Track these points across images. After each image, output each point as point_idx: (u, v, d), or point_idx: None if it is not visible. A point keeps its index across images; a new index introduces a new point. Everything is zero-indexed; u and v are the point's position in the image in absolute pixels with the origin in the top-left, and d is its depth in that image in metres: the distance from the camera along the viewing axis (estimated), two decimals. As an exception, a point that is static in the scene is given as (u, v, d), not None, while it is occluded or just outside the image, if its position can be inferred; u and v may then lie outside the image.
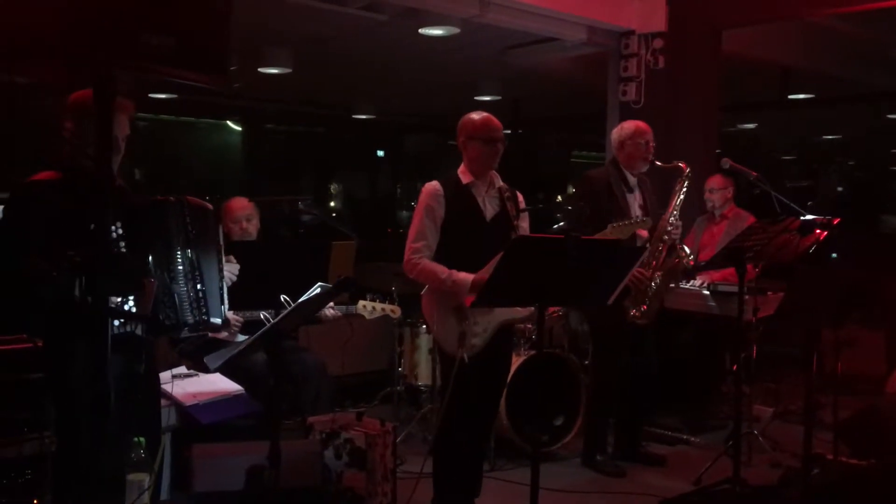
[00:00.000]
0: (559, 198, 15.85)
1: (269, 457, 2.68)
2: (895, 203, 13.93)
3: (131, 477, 2.27)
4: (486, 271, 3.51)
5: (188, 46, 1.89)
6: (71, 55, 1.76)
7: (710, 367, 5.58)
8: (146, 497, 2.35)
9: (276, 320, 2.70)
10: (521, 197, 3.81)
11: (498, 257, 3.51)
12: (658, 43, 6.33)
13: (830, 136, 14.25)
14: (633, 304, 4.43)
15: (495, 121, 3.69)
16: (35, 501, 3.20)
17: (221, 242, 3.07)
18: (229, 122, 11.85)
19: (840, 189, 15.35)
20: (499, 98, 9.39)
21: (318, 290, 2.63)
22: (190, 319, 2.90)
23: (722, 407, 5.61)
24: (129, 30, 1.77)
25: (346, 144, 13.20)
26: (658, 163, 4.53)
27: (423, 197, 3.67)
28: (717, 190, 5.56)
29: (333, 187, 13.60)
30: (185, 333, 3.06)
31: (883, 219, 12.41)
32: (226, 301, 3.04)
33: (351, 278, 2.69)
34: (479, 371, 3.61)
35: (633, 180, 4.56)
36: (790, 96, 8.98)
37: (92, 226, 2.59)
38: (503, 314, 3.62)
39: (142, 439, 2.34)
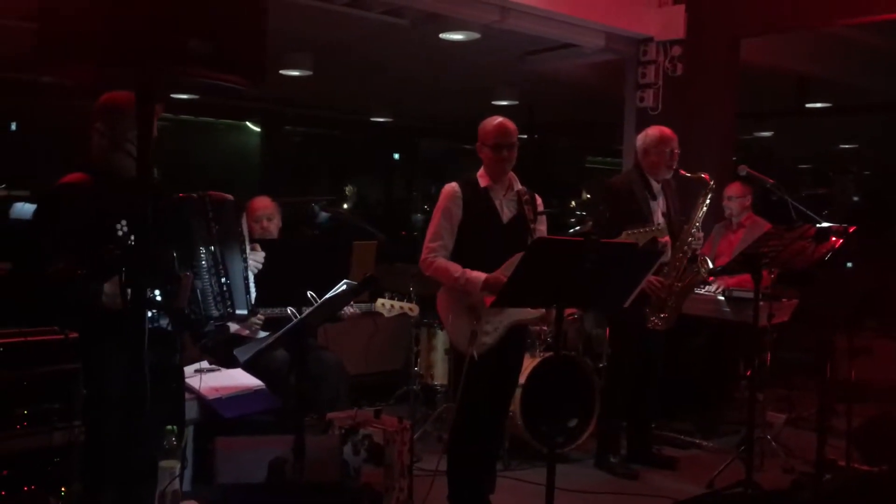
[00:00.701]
0: (573, 203, 15.89)
1: (293, 449, 2.74)
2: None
3: (163, 464, 2.35)
4: (500, 271, 3.59)
5: (227, 50, 1.95)
6: (119, 60, 1.84)
7: (723, 373, 5.61)
8: (177, 483, 2.42)
9: (304, 315, 2.76)
10: (539, 200, 3.87)
11: (513, 259, 3.59)
12: (676, 50, 6.37)
13: (846, 146, 14.24)
14: (652, 312, 4.47)
15: (507, 127, 3.73)
16: (63, 489, 3.30)
17: (245, 233, 3.12)
18: (248, 124, 11.96)
19: (856, 198, 15.32)
20: (515, 103, 9.45)
21: (344, 287, 2.69)
22: (215, 313, 2.96)
23: (734, 412, 5.65)
24: (173, 35, 1.84)
25: (362, 147, 13.29)
26: (683, 172, 4.56)
27: (441, 198, 3.76)
28: (735, 198, 5.58)
29: (348, 189, 13.69)
30: (210, 327, 3.12)
31: (899, 227, 12.37)
32: (252, 291, 3.08)
33: (375, 277, 2.76)
34: (490, 370, 3.69)
35: (656, 187, 4.59)
36: (807, 105, 9.00)
37: (123, 223, 2.69)
38: (514, 315, 3.68)
39: (174, 427, 2.42)
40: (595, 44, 6.44)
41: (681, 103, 6.34)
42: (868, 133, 12.24)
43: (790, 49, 7.03)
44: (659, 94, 6.47)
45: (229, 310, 2.98)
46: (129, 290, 2.03)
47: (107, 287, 2.69)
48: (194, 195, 2.96)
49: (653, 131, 4.65)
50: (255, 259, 3.17)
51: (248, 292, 3.06)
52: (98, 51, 1.84)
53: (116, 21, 1.82)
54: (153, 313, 2.77)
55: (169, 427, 2.40)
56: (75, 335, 3.07)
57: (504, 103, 9.34)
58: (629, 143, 6.60)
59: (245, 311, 3.04)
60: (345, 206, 13.39)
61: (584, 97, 8.99)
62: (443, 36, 6.34)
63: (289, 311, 3.64)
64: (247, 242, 3.11)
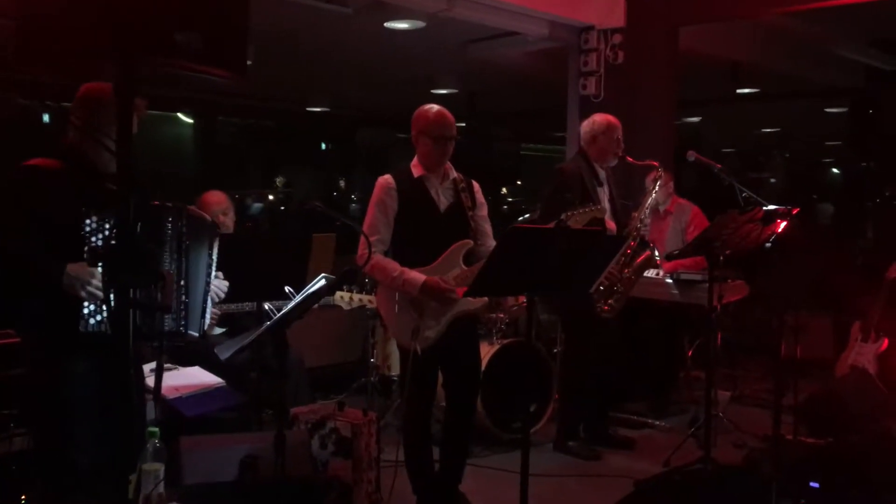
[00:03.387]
0: (504, 190, 16.03)
1: (274, 445, 2.72)
2: (830, 193, 14.51)
3: (146, 467, 2.29)
4: (439, 263, 3.58)
5: (212, 43, 1.92)
6: (103, 52, 1.78)
7: (672, 354, 5.77)
8: (162, 486, 2.37)
9: (284, 311, 2.73)
10: (477, 186, 3.81)
11: (450, 250, 3.59)
12: (617, 38, 6.47)
13: (768, 129, 14.71)
14: (600, 299, 4.53)
15: (449, 117, 3.65)
16: (23, 497, 3.19)
17: (214, 258, 3.04)
18: (180, 115, 11.65)
19: (773, 180, 15.89)
20: (455, 91, 9.46)
21: (323, 282, 2.67)
22: (167, 328, 2.86)
23: (681, 391, 5.82)
24: (159, 27, 1.79)
25: (298, 137, 13.12)
26: (630, 159, 4.64)
27: (375, 191, 3.68)
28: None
29: (279, 180, 13.50)
30: (156, 343, 3.00)
31: (820, 208, 12.91)
32: (207, 316, 2.99)
33: (354, 270, 2.73)
34: (439, 363, 3.69)
35: (602, 174, 4.67)
36: (738, 90, 9.26)
37: (93, 219, 2.59)
38: (456, 306, 3.62)
39: (156, 430, 2.35)
40: (538, 32, 6.49)
41: (622, 91, 6.44)
42: (790, 118, 12.67)
43: (724, 36, 7.22)
44: (601, 81, 6.56)
45: (181, 328, 2.87)
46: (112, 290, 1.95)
47: (70, 269, 2.59)
48: (169, 204, 2.87)
49: (600, 118, 4.69)
50: (219, 287, 3.09)
51: (203, 316, 2.96)
52: (82, 43, 1.77)
53: (101, 14, 1.76)
54: (98, 319, 2.65)
55: (151, 430, 2.34)
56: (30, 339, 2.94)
57: (444, 92, 9.34)
58: (573, 130, 6.70)
59: (196, 334, 2.94)
60: (270, 197, 13.20)
61: (525, 85, 9.04)
62: (388, 24, 6.30)
63: (266, 307, 3.58)
64: (213, 267, 3.03)
